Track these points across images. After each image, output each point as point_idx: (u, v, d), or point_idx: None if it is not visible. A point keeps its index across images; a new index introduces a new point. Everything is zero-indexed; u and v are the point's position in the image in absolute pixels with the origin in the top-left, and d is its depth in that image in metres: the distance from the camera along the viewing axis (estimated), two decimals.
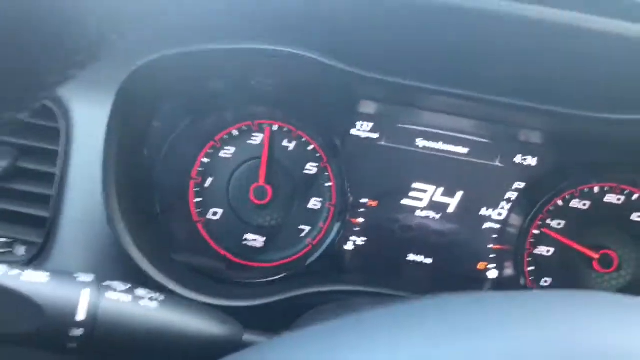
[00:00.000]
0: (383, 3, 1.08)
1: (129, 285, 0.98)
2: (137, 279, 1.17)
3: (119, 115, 1.23)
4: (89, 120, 1.30)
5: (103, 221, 1.25)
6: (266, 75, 1.36)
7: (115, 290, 0.96)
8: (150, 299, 0.98)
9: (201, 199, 1.47)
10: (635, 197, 1.41)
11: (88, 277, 0.95)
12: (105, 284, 0.97)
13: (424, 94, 1.27)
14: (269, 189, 1.42)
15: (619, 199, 1.41)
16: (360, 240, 1.47)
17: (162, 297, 0.99)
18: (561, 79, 1.09)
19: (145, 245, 1.26)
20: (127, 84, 1.21)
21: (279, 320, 1.10)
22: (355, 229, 1.47)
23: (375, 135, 1.45)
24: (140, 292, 0.99)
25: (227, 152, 1.47)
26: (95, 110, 1.29)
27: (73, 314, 0.90)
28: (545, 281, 1.42)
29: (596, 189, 1.41)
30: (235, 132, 1.47)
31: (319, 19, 1.14)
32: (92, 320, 0.90)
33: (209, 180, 1.47)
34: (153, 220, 1.38)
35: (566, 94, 1.10)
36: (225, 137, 1.46)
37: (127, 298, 0.96)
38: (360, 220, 1.47)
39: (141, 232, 1.27)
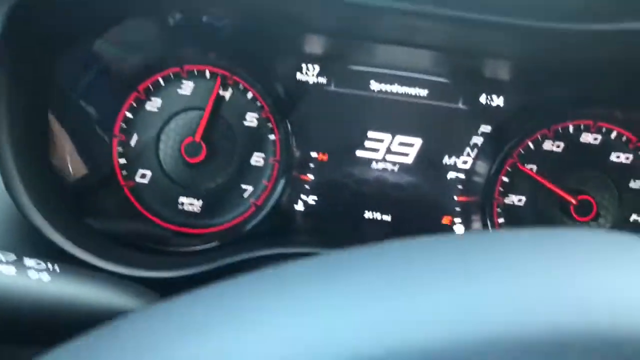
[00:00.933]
0: None
1: (13, 257, 0.80)
2: (50, 254, 1.00)
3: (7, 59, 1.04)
4: None
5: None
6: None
7: None
8: (41, 270, 0.80)
9: (126, 159, 1.28)
10: (613, 135, 1.26)
11: None
12: None
13: (376, 15, 1.08)
14: (203, 145, 1.24)
15: (595, 138, 1.26)
16: (310, 199, 1.31)
17: (57, 268, 0.81)
18: None
19: (53, 212, 1.08)
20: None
21: None
22: (305, 187, 1.30)
23: (323, 80, 1.28)
24: (29, 262, 0.81)
25: (154, 104, 1.28)
26: None
27: None
28: None
29: (571, 128, 1.26)
30: (161, 81, 1.28)
31: None
32: None
33: (135, 138, 1.28)
34: (63, 184, 1.19)
35: (533, 4, 0.93)
36: (150, 86, 1.27)
37: (10, 270, 0.78)
38: (310, 176, 1.30)
39: (47, 198, 1.09)
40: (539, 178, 1.25)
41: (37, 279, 0.81)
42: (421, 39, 1.16)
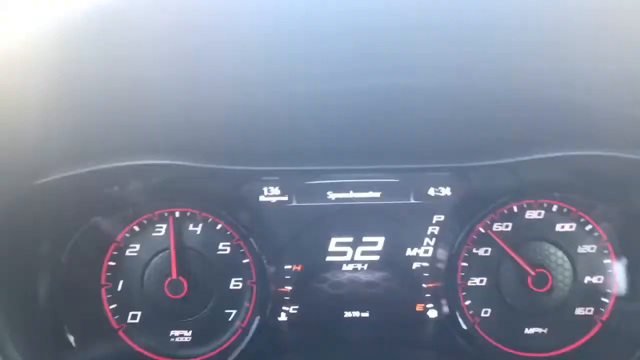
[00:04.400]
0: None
1: None
2: None
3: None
4: None
5: None
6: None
7: None
8: None
9: (116, 304, 1.38)
10: (554, 208, 1.37)
11: None
12: None
13: (325, 174, 1.20)
14: (183, 281, 1.34)
15: (539, 213, 1.37)
16: (292, 309, 1.40)
17: None
18: (459, 137, 1.05)
19: None
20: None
21: None
22: (284, 298, 1.40)
23: (285, 198, 1.38)
24: None
25: (133, 249, 1.38)
26: None
27: None
28: (486, 312, 1.37)
29: (515, 208, 1.37)
30: (136, 228, 1.38)
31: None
32: None
33: (121, 283, 1.38)
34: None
35: (460, 150, 1.05)
36: (127, 235, 1.38)
37: None
38: (288, 288, 1.40)
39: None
40: (505, 247, 1.34)
41: None
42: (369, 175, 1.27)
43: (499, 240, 1.34)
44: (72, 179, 1.04)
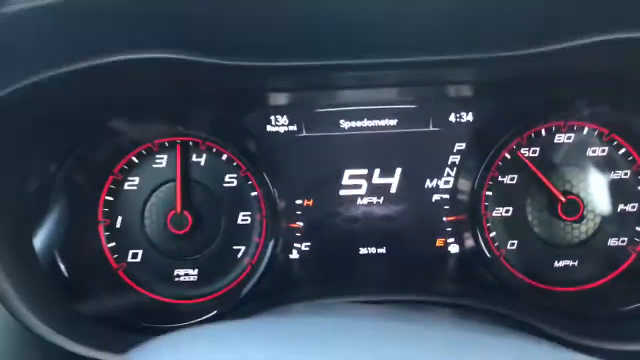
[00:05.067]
0: None
1: None
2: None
3: None
4: None
5: None
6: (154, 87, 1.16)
7: None
8: None
9: (115, 242, 1.28)
10: (585, 131, 1.27)
11: None
12: None
13: (334, 72, 1.09)
14: (187, 215, 1.24)
15: (569, 137, 1.27)
16: (304, 246, 1.31)
17: None
18: (478, 22, 0.93)
19: (39, 304, 1.07)
20: None
21: None
22: (296, 235, 1.31)
23: (293, 128, 1.29)
24: None
25: (132, 183, 1.28)
26: None
27: None
28: (512, 244, 1.28)
29: (543, 132, 1.27)
30: (135, 159, 1.28)
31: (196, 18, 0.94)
32: None
33: (120, 220, 1.28)
34: (51, 274, 1.18)
35: (485, 38, 0.94)
36: (125, 167, 1.28)
37: None
38: (299, 223, 1.30)
39: (33, 289, 1.08)
40: (536, 170, 1.25)
41: None
42: (381, 82, 1.16)
43: (530, 163, 1.24)
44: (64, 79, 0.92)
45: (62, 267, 1.21)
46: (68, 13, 0.85)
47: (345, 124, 1.29)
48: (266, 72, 0.99)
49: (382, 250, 1.31)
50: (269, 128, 1.28)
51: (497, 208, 1.28)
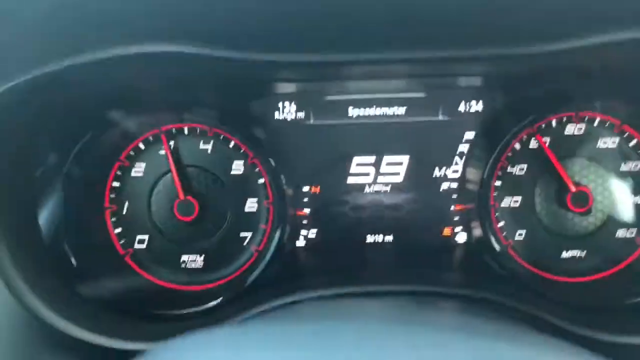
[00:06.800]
0: None
1: None
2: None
3: None
4: None
5: None
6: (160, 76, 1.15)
7: None
8: None
9: (121, 228, 1.28)
10: (596, 122, 1.26)
11: None
12: None
13: (343, 66, 1.07)
14: (194, 201, 1.24)
15: (580, 128, 1.26)
16: (311, 233, 1.31)
17: None
18: (487, 18, 0.91)
19: (44, 288, 1.07)
20: None
21: None
22: (302, 222, 1.30)
23: (302, 115, 1.27)
24: None
25: (139, 169, 1.28)
26: None
27: None
28: (520, 234, 1.28)
29: (553, 122, 1.26)
30: (141, 146, 1.27)
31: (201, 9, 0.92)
32: None
33: (126, 206, 1.28)
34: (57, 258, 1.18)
35: (493, 34, 0.92)
36: (132, 153, 1.27)
37: None
38: (306, 211, 1.30)
39: (39, 274, 1.08)
40: (552, 157, 1.23)
41: None
42: (391, 74, 1.15)
43: (548, 149, 1.23)
44: (70, 70, 0.91)
45: (69, 253, 1.21)
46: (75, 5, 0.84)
47: (353, 112, 1.28)
48: (275, 66, 0.98)
49: (389, 238, 1.31)
50: (276, 115, 1.27)
51: (506, 198, 1.28)
